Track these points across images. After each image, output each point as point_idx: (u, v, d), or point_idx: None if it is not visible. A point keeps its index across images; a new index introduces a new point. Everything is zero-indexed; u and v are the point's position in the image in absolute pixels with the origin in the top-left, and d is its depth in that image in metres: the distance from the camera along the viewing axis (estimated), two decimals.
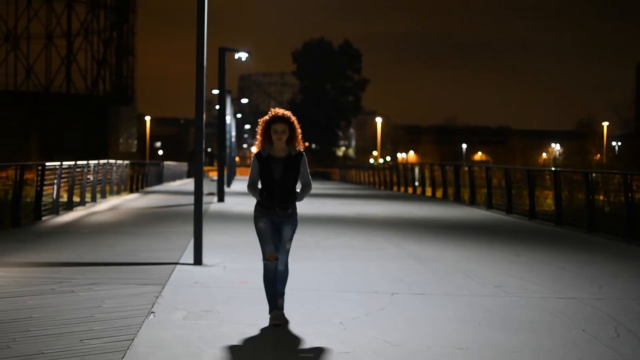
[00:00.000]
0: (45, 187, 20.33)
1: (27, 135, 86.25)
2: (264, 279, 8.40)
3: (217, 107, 32.67)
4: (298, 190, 8.43)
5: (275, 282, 8.39)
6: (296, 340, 7.81)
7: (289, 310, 8.73)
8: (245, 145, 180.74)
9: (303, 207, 28.84)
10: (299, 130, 8.38)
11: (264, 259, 8.36)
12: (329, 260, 13.22)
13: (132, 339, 7.53)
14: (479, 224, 21.58)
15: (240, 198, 31.32)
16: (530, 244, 16.34)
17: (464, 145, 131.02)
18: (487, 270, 12.44)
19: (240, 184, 49.81)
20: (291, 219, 8.40)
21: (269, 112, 8.44)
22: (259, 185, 8.40)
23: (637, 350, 7.74)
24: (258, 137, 8.36)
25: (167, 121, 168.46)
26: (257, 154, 8.37)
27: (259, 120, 8.32)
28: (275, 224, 8.34)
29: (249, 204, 27.86)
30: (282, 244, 8.36)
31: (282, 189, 8.26)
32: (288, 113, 8.32)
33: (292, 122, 8.32)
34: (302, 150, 8.42)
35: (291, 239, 8.41)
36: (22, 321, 8.18)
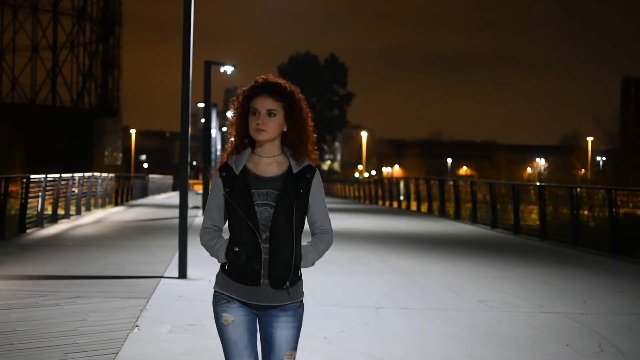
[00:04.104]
0: (29, 200, 20.28)
1: (12, 147, 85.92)
2: None
3: (203, 120, 32.67)
4: (305, 243, 4.36)
5: None
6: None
7: None
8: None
9: None
10: (309, 118, 4.37)
11: None
12: (313, 274, 13.22)
13: (117, 353, 7.51)
14: (463, 238, 21.61)
15: None
16: (515, 259, 16.37)
17: (449, 160, 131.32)
18: (471, 285, 12.46)
19: None
20: (292, 306, 4.28)
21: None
22: (224, 234, 4.42)
23: None
24: (230, 132, 4.40)
25: (152, 134, 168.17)
26: (220, 168, 4.32)
27: (232, 99, 4.41)
28: (256, 317, 4.31)
29: None
30: (274, 357, 4.29)
31: (275, 244, 4.18)
32: (283, 81, 4.33)
33: (292, 97, 4.29)
34: (313, 161, 4.36)
35: (295, 349, 4.33)
36: (6, 334, 8.15)
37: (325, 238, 4.40)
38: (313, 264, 4.35)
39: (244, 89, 4.33)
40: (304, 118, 4.30)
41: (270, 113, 4.21)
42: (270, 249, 4.18)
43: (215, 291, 4.34)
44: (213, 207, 4.35)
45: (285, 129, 4.27)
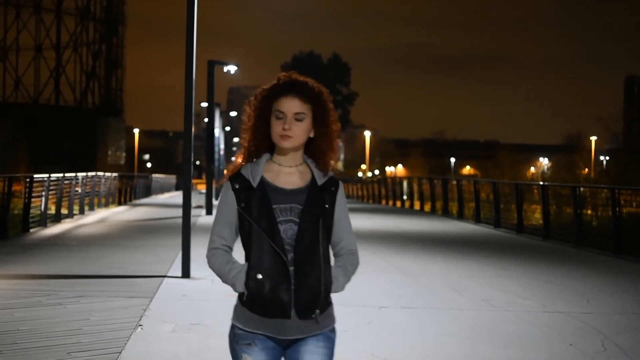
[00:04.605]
0: (33, 199, 20.30)
1: (15, 147, 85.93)
2: None
3: (206, 119, 32.68)
4: (333, 265, 3.83)
5: None
6: None
7: None
8: (233, 159, 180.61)
9: None
10: (336, 121, 3.87)
11: None
12: None
13: (120, 352, 7.52)
14: (466, 238, 21.60)
15: None
16: (518, 258, 16.36)
17: (453, 159, 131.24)
18: (474, 284, 12.46)
19: None
20: (322, 337, 3.78)
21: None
22: (236, 256, 3.82)
23: None
24: (244, 137, 3.83)
25: (155, 134, 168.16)
26: (232, 179, 3.76)
27: (249, 99, 3.85)
28: (282, 351, 3.78)
29: None
30: None
31: (301, 267, 3.64)
32: (310, 80, 3.81)
33: (321, 99, 3.78)
34: (333, 172, 3.86)
35: None
36: (10, 333, 8.16)
37: (352, 259, 3.85)
38: (344, 289, 3.80)
39: (265, 87, 3.78)
40: (333, 123, 3.79)
41: (298, 117, 3.66)
42: (296, 273, 3.60)
43: (234, 326, 3.79)
44: (223, 223, 3.74)
45: (311, 135, 3.75)
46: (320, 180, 3.74)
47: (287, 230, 3.62)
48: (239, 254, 3.69)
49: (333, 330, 3.82)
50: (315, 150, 3.77)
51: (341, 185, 3.84)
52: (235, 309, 3.77)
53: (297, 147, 3.73)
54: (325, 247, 3.71)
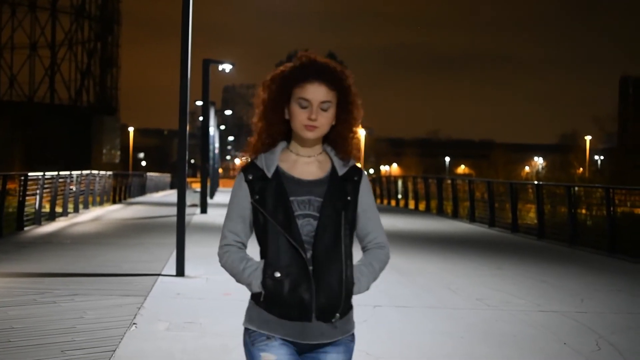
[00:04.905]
0: (27, 198, 20.26)
1: (10, 145, 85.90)
2: None
3: (201, 118, 32.68)
4: (357, 262, 3.52)
5: None
6: None
7: None
8: (228, 157, 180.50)
9: None
10: (360, 107, 3.51)
11: None
12: None
13: (114, 350, 7.50)
14: (461, 237, 21.62)
15: (223, 210, 31.23)
16: (513, 257, 16.37)
17: (447, 158, 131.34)
18: (469, 283, 12.46)
19: (223, 195, 49.70)
20: (344, 341, 3.45)
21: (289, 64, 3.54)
22: (250, 252, 3.53)
23: None
24: (256, 123, 3.50)
25: (150, 132, 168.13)
26: (245, 169, 3.46)
27: (264, 81, 3.53)
28: (299, 357, 3.44)
29: None
30: None
31: (320, 266, 3.33)
32: (333, 62, 3.47)
33: (347, 84, 3.45)
34: (358, 159, 3.58)
35: None
36: (4, 332, 8.13)
37: (380, 255, 3.52)
38: (368, 289, 3.47)
39: (284, 69, 3.44)
40: (357, 108, 3.45)
41: (323, 106, 3.33)
42: (315, 273, 3.28)
43: (247, 329, 3.40)
44: (236, 218, 3.43)
45: (333, 123, 3.41)
46: (341, 170, 3.42)
47: (305, 225, 3.30)
48: (253, 250, 3.55)
49: (352, 339, 3.47)
50: (336, 137, 3.43)
51: (364, 174, 3.47)
52: (248, 310, 3.42)
53: (319, 138, 3.40)
54: (348, 244, 3.37)
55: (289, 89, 3.35)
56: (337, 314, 3.34)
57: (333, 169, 3.41)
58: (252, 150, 3.45)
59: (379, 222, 3.56)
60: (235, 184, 3.43)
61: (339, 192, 3.37)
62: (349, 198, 3.39)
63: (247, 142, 3.51)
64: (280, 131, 3.41)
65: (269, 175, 3.34)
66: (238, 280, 3.43)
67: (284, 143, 3.43)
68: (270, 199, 3.32)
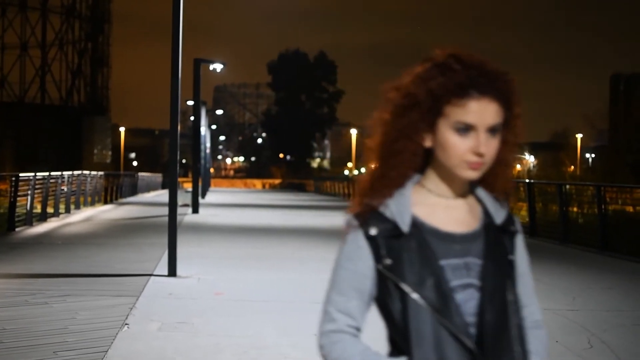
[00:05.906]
0: (18, 198, 20.23)
1: (1, 145, 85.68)
2: None
3: (192, 118, 32.66)
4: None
5: None
6: (271, 352, 7.80)
7: (263, 322, 8.71)
8: (219, 157, 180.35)
9: (276, 218, 28.45)
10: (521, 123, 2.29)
11: None
12: (304, 272, 13.21)
13: (106, 351, 7.50)
14: None
15: (214, 210, 31.28)
16: None
17: None
18: None
19: (215, 195, 49.70)
20: None
21: (431, 58, 2.26)
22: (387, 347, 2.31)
23: None
24: (374, 149, 2.30)
25: (141, 132, 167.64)
26: (364, 219, 2.27)
27: (389, 91, 2.28)
28: None
29: (224, 216, 27.84)
30: None
31: (490, 357, 2.17)
32: (497, 67, 2.22)
33: (515, 96, 2.23)
34: (508, 197, 2.38)
35: None
36: None
37: (543, 338, 2.46)
38: None
39: (424, 75, 2.24)
40: (520, 126, 2.31)
41: (492, 130, 2.20)
42: None
43: None
44: (349, 292, 2.30)
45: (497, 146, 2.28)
46: (498, 217, 2.33)
47: (468, 301, 2.22)
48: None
49: None
50: (495, 167, 2.29)
51: (518, 221, 2.43)
52: None
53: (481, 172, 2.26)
54: (517, 324, 2.28)
55: (438, 105, 2.20)
56: None
57: (486, 215, 2.33)
58: (373, 196, 2.28)
59: (534, 289, 2.48)
60: (349, 242, 2.33)
61: (500, 248, 2.31)
62: (510, 257, 2.33)
63: (356, 184, 2.40)
64: (417, 165, 2.29)
65: (405, 229, 2.22)
66: None
67: (416, 177, 2.30)
68: (410, 264, 2.20)
